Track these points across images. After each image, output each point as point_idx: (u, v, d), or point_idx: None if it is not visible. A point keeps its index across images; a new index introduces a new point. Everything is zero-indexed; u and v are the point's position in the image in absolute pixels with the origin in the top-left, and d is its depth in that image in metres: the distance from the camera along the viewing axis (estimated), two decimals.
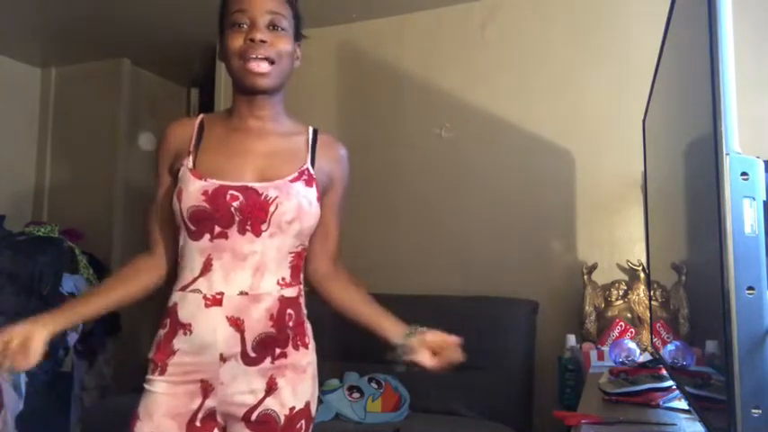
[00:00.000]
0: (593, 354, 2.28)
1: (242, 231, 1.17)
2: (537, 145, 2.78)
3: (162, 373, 1.18)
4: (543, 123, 2.77)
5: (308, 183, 1.22)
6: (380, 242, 3.00)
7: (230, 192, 1.17)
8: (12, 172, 3.78)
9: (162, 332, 1.20)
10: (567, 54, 2.78)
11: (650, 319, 2.04)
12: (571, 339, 2.42)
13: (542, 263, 2.72)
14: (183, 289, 1.19)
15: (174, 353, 1.18)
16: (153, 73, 4.00)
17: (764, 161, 0.74)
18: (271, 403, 1.18)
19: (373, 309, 1.39)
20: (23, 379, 2.60)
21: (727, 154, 0.73)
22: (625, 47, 2.65)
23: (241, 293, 1.16)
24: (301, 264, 1.27)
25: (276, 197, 1.17)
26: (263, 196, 1.17)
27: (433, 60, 3.01)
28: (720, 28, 0.76)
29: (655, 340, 1.78)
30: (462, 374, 2.55)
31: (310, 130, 1.33)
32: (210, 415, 1.19)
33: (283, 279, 1.21)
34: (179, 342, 1.18)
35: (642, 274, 2.44)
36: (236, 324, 1.15)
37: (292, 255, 1.23)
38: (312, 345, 1.30)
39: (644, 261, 2.33)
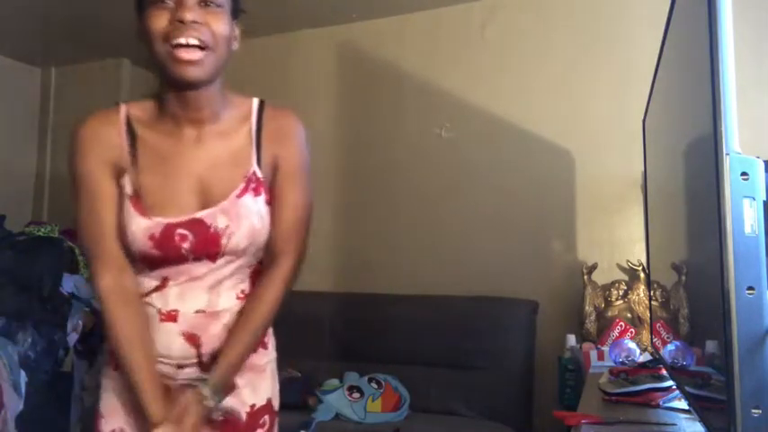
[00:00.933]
0: (593, 354, 2.28)
1: (197, 261, 1.09)
2: (537, 145, 2.78)
3: (117, 367, 1.12)
4: (543, 123, 2.77)
5: (256, 191, 1.10)
6: (380, 242, 3.00)
7: (178, 231, 1.06)
8: (12, 172, 3.78)
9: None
10: (567, 54, 2.78)
11: (650, 319, 2.04)
12: (571, 339, 2.42)
13: (542, 263, 2.72)
14: (142, 296, 1.12)
15: None
16: (153, 73, 3.99)
17: (764, 161, 0.74)
18: (231, 402, 1.13)
19: (227, 344, 1.11)
20: (23, 379, 2.59)
21: (727, 154, 0.73)
22: (625, 47, 2.65)
23: (198, 312, 1.10)
24: (259, 269, 1.18)
25: (227, 227, 1.07)
26: (212, 228, 1.06)
27: (434, 60, 3.01)
28: (720, 28, 0.76)
29: (655, 340, 1.78)
30: (462, 374, 2.56)
31: (254, 109, 1.14)
32: None
33: (243, 292, 1.14)
34: None
35: (642, 274, 2.44)
36: (192, 340, 1.10)
37: (251, 268, 1.16)
38: (272, 343, 1.23)
39: (644, 261, 2.33)
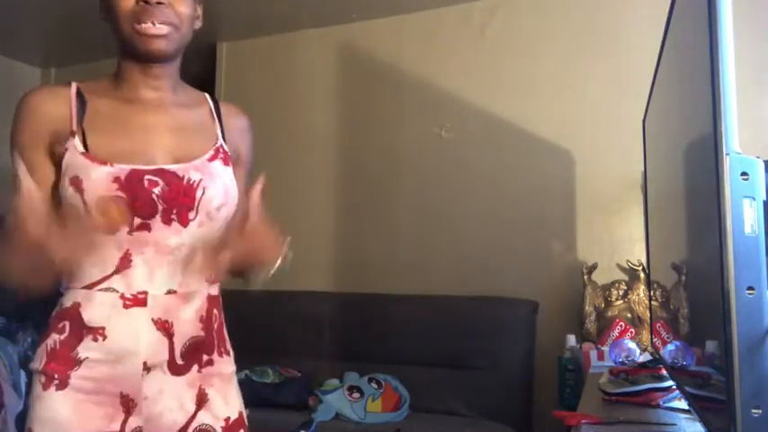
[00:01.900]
0: (593, 354, 2.28)
1: (167, 221, 1.01)
2: (537, 145, 2.78)
3: (61, 387, 0.98)
4: (543, 123, 2.77)
5: (225, 161, 1.09)
6: (380, 242, 3.00)
7: (146, 176, 0.99)
8: (12, 172, 3.78)
9: (58, 338, 1.00)
10: (567, 54, 2.78)
11: (650, 319, 2.04)
12: (571, 339, 2.42)
13: (542, 263, 2.72)
14: (90, 287, 1.00)
15: (79, 363, 0.99)
16: None
17: (764, 161, 0.74)
18: (204, 417, 1.05)
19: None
20: (23, 379, 2.59)
21: (727, 154, 0.73)
22: (625, 47, 2.65)
23: (169, 292, 1.02)
24: None
25: (200, 180, 1.03)
26: (185, 180, 1.02)
27: (433, 60, 3.01)
28: (720, 28, 0.76)
29: (655, 340, 1.78)
30: (462, 374, 2.56)
31: (209, 99, 1.18)
32: None
33: (210, 275, 1.07)
34: (86, 350, 0.99)
35: (642, 274, 2.44)
36: (165, 328, 1.01)
37: (216, 251, 1.05)
38: (233, 352, 1.14)
39: (644, 261, 2.33)
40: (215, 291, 1.10)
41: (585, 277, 2.52)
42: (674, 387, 1.53)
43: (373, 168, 3.04)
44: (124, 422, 1.00)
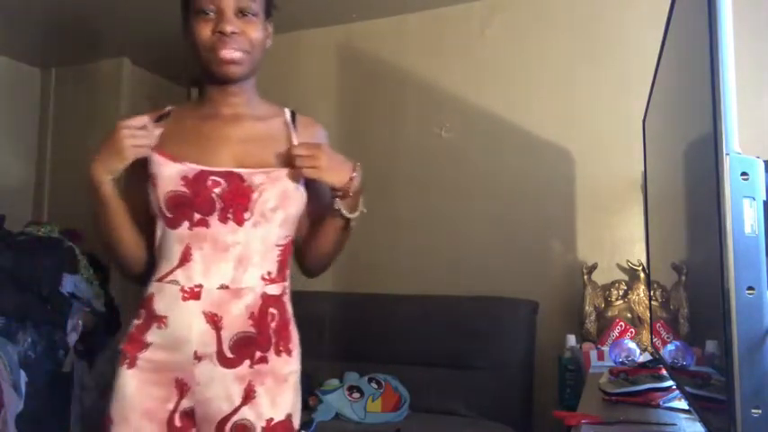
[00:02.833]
0: (593, 354, 2.28)
1: (223, 220, 1.10)
2: (537, 145, 2.78)
3: (131, 366, 1.11)
4: (544, 123, 2.77)
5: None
6: (380, 242, 3.00)
7: (212, 177, 1.11)
8: (12, 172, 3.78)
9: (136, 323, 1.13)
10: (567, 54, 2.78)
11: (650, 319, 2.04)
12: (571, 339, 2.42)
13: (542, 263, 2.72)
14: (161, 280, 1.12)
15: (146, 346, 1.11)
16: (153, 73, 4.00)
17: (764, 161, 0.74)
18: (247, 413, 1.09)
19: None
20: (23, 379, 2.59)
21: (727, 154, 0.73)
22: (625, 47, 2.65)
23: (221, 287, 1.09)
24: (288, 258, 1.20)
25: (261, 183, 1.12)
26: (246, 182, 1.11)
27: (434, 60, 3.01)
28: (720, 28, 0.76)
29: (655, 340, 1.78)
30: (462, 374, 2.56)
31: (287, 111, 1.27)
32: (189, 414, 1.11)
33: (269, 274, 1.13)
34: (152, 335, 1.11)
35: (642, 274, 2.44)
36: (213, 320, 1.08)
37: (280, 248, 1.16)
38: (297, 353, 1.18)
39: (644, 261, 2.33)
40: (275, 290, 1.15)
41: (585, 277, 2.52)
42: (674, 387, 1.53)
43: (373, 168, 3.02)
44: (177, 403, 1.10)
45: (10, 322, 2.64)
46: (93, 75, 3.82)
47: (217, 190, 1.10)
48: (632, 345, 2.08)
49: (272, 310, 1.13)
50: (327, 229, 1.22)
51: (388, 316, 2.74)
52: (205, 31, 1.13)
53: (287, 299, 1.18)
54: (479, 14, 2.94)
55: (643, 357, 2.07)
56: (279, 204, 1.13)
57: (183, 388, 1.10)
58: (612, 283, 2.52)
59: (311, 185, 1.20)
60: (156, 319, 1.11)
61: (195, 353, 1.08)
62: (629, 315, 2.44)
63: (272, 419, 1.10)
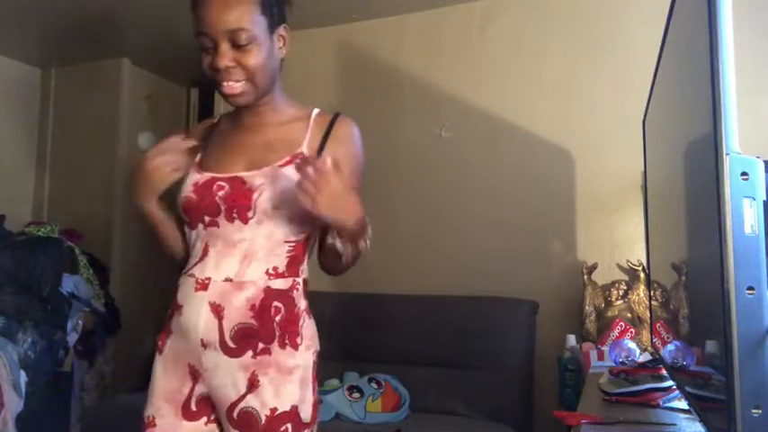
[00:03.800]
0: (593, 354, 2.28)
1: (230, 219, 1.17)
2: (537, 145, 2.78)
3: (160, 352, 1.21)
4: (543, 123, 2.77)
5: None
6: (380, 242, 2.98)
7: (218, 182, 1.19)
8: (12, 172, 3.78)
9: (167, 313, 1.23)
10: (567, 54, 2.78)
11: (650, 319, 2.04)
12: (571, 339, 2.42)
13: (542, 263, 2.72)
14: (185, 273, 1.21)
15: (169, 334, 1.20)
16: (153, 73, 4.00)
17: (764, 161, 0.74)
18: (251, 401, 1.13)
19: None
20: (23, 379, 2.59)
21: (727, 154, 0.73)
22: (625, 47, 2.65)
23: (226, 280, 1.16)
24: (303, 255, 1.22)
25: (261, 185, 1.16)
26: (247, 185, 1.17)
27: (433, 60, 3.01)
28: (720, 28, 0.76)
29: (655, 340, 1.78)
30: (462, 374, 2.56)
31: (314, 113, 1.30)
32: (205, 400, 1.18)
33: (275, 269, 1.17)
34: (174, 324, 1.20)
35: (642, 274, 2.44)
36: (216, 311, 1.14)
37: (292, 244, 1.19)
38: (305, 346, 1.20)
39: (644, 261, 2.33)
40: (281, 284, 1.18)
41: (585, 277, 2.52)
42: (674, 387, 1.53)
43: (373, 168, 3.02)
44: (192, 389, 1.18)
45: (10, 322, 2.64)
46: (93, 75, 3.82)
47: (221, 193, 1.17)
48: (632, 345, 2.08)
49: (276, 303, 1.16)
50: (329, 245, 1.22)
51: (387, 316, 2.74)
52: (205, 64, 1.17)
53: (298, 294, 1.20)
54: (479, 14, 2.94)
55: (643, 357, 2.07)
56: (280, 203, 1.15)
57: (195, 374, 1.17)
58: (612, 283, 2.52)
59: None
60: (176, 308, 1.19)
61: (202, 340, 1.15)
62: (629, 315, 2.44)
63: (275, 409, 1.13)
